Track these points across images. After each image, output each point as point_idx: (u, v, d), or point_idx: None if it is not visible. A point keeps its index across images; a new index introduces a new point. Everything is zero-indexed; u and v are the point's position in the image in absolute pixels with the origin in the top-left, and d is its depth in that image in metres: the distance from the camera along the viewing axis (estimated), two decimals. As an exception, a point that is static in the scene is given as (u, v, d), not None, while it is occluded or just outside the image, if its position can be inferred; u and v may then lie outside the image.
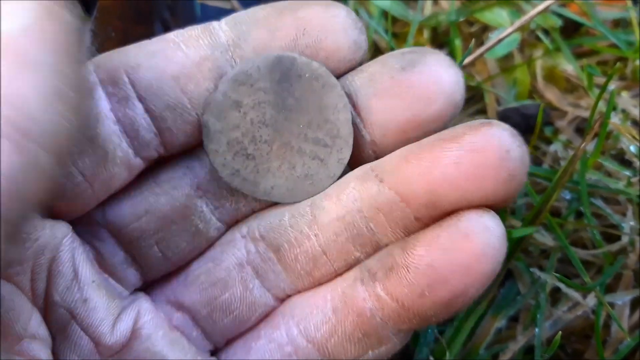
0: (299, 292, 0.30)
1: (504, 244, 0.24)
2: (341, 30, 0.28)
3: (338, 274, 0.29)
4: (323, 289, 0.29)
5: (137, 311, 0.28)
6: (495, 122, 0.24)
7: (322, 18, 0.28)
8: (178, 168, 0.29)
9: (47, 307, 0.26)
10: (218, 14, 0.50)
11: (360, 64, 0.29)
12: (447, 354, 0.34)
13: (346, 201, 0.27)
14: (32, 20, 0.19)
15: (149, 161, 0.29)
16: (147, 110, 0.27)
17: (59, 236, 0.27)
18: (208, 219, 0.29)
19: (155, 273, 0.30)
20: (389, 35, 0.45)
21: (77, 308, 0.27)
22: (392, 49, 0.44)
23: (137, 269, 0.30)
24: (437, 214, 0.25)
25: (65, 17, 0.21)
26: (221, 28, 0.28)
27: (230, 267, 0.29)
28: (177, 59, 0.27)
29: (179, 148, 0.29)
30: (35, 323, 0.26)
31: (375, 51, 0.48)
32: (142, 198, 0.29)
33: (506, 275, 0.37)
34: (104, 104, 0.27)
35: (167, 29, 0.45)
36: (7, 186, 0.17)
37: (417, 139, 0.27)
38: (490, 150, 0.23)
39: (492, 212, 0.25)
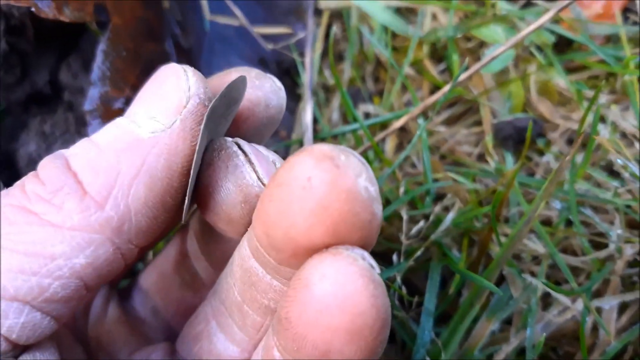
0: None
1: (352, 293, 0.20)
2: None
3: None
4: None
5: None
6: (310, 148, 0.21)
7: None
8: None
9: None
10: (226, 29, 0.52)
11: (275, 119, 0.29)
12: (443, 354, 0.35)
13: (241, 246, 0.26)
14: None
15: None
16: None
17: None
18: None
19: None
20: (388, 50, 0.47)
21: None
22: (391, 64, 0.46)
23: None
24: (282, 257, 0.23)
25: None
26: None
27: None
28: None
29: None
30: None
31: (377, 65, 0.50)
32: None
33: (500, 280, 0.38)
34: None
35: (177, 44, 0.46)
36: None
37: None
38: (293, 181, 0.21)
39: (335, 256, 0.21)
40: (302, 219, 0.21)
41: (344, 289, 0.20)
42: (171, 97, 0.24)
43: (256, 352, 0.27)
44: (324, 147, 0.21)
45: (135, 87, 0.27)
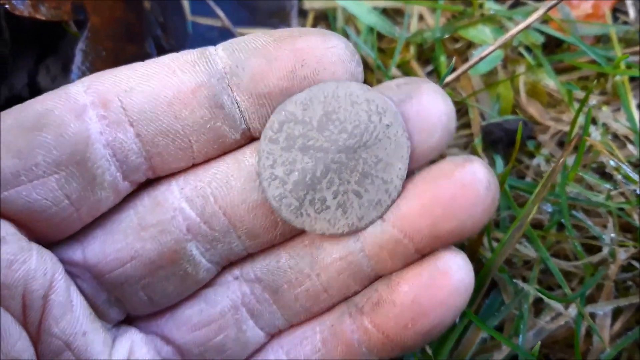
0: (292, 326, 0.31)
1: (473, 280, 0.28)
2: (339, 63, 0.28)
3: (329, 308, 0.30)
4: (312, 322, 0.30)
5: (131, 343, 0.29)
6: (474, 158, 0.27)
7: (320, 49, 0.27)
8: (166, 210, 0.28)
9: (40, 336, 0.26)
10: (209, 31, 0.51)
11: None
12: (433, 363, 0.34)
13: (347, 241, 0.29)
14: None
15: (137, 184, 0.28)
16: (138, 134, 0.26)
17: (48, 264, 0.26)
18: (198, 262, 0.29)
19: (140, 312, 0.30)
20: (374, 52, 0.46)
21: (75, 340, 0.26)
22: (378, 66, 0.45)
23: (121, 308, 0.29)
24: (437, 245, 0.28)
25: None
26: (218, 54, 0.27)
27: (225, 310, 0.30)
28: (172, 84, 0.26)
29: (168, 172, 0.28)
30: (21, 347, 0.25)
31: (364, 67, 0.49)
32: (128, 244, 0.28)
33: (491, 286, 0.37)
34: (94, 127, 0.26)
35: (159, 46, 0.45)
36: None
37: (420, 167, 0.29)
38: (478, 183, 0.27)
39: (462, 253, 0.28)
40: (481, 210, 0.27)
41: (469, 277, 0.28)
42: None
43: (296, 333, 0.30)
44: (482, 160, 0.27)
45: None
